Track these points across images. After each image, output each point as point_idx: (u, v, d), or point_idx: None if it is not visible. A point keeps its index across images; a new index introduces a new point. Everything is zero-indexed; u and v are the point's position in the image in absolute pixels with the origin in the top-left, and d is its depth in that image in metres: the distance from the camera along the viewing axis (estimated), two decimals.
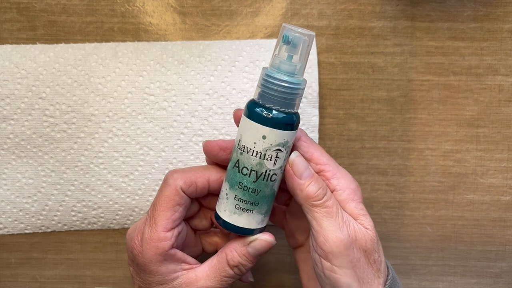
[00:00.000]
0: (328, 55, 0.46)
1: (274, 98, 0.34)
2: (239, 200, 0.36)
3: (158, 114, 0.45)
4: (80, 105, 0.45)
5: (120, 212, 0.47)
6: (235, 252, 0.37)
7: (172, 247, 0.36)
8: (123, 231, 0.48)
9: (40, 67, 0.45)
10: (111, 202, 0.46)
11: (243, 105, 0.45)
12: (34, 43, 0.46)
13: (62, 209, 0.46)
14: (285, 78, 0.34)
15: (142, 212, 0.47)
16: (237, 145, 0.35)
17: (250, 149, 0.34)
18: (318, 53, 0.46)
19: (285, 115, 0.34)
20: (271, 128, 0.34)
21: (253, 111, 0.34)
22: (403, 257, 0.48)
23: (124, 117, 0.45)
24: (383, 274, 0.36)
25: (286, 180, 0.36)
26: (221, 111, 0.45)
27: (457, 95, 0.46)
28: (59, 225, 0.47)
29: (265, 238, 0.37)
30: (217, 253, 0.38)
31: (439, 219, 0.47)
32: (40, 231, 0.47)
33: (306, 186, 0.35)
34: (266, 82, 0.34)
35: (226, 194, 0.36)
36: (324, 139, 0.47)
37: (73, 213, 0.47)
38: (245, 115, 0.35)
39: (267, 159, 0.35)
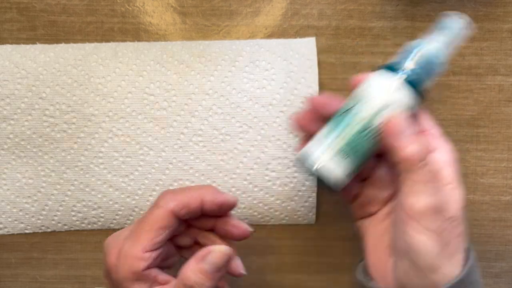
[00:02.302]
0: (328, 55, 0.46)
1: (416, 62, 0.35)
2: (338, 144, 0.35)
3: (158, 114, 0.45)
4: (80, 105, 0.45)
5: (120, 212, 0.47)
6: (189, 272, 0.34)
7: (148, 268, 0.35)
8: None
9: (40, 67, 0.45)
10: (111, 202, 0.46)
11: (243, 105, 0.45)
12: (34, 43, 0.46)
13: (62, 209, 0.46)
14: (433, 49, 0.35)
15: (141, 212, 0.47)
16: (355, 96, 0.36)
17: (370, 101, 0.35)
18: (318, 53, 0.46)
19: (420, 78, 0.35)
20: (400, 85, 0.35)
21: (389, 67, 0.35)
22: None
23: (124, 117, 0.45)
24: (464, 252, 0.35)
25: (384, 137, 0.35)
26: (221, 111, 0.45)
27: (457, 95, 0.46)
28: (59, 225, 0.47)
29: (219, 249, 0.35)
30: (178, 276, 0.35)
31: None
32: (40, 231, 0.47)
33: (406, 146, 0.34)
34: (412, 48, 0.36)
35: (326, 135, 0.36)
36: None
37: (73, 213, 0.47)
38: (375, 74, 0.36)
39: (381, 115, 0.35)
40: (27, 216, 0.47)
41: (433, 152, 0.36)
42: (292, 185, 0.46)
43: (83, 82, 0.45)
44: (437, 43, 0.36)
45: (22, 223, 0.47)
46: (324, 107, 0.37)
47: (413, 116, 0.37)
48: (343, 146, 0.35)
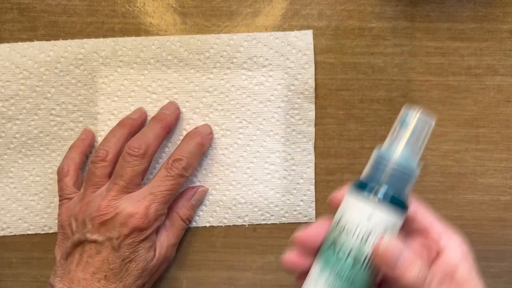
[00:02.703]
0: (327, 55, 0.46)
1: (385, 180, 0.31)
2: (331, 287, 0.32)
3: None
4: (86, 104, 0.46)
5: None
6: (184, 209, 0.45)
7: None
8: None
9: (42, 67, 0.45)
10: None
11: (242, 102, 0.45)
12: None
13: None
14: (401, 161, 0.32)
15: None
16: (335, 225, 0.32)
17: (351, 230, 0.31)
18: (318, 54, 0.46)
19: (395, 197, 0.31)
20: (377, 209, 0.31)
21: (360, 190, 0.32)
22: None
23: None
24: None
25: (380, 268, 0.32)
26: (221, 107, 0.46)
27: (456, 95, 0.46)
28: None
29: (201, 190, 0.46)
30: (166, 218, 0.44)
31: None
32: (42, 231, 0.47)
33: (404, 275, 0.31)
34: (381, 164, 0.32)
35: (318, 276, 0.32)
36: (324, 139, 0.47)
37: None
38: (350, 194, 0.32)
39: (367, 243, 0.31)
40: (31, 214, 0.47)
41: (445, 253, 0.33)
42: (290, 177, 0.47)
43: (86, 81, 0.46)
44: (404, 148, 0.32)
45: (25, 222, 0.47)
46: (309, 243, 0.34)
47: (408, 220, 0.34)
48: (341, 285, 0.31)
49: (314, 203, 0.47)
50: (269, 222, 0.48)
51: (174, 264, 0.48)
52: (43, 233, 0.47)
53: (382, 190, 0.31)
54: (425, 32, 0.46)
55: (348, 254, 0.31)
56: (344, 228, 0.32)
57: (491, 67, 0.46)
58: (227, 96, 0.46)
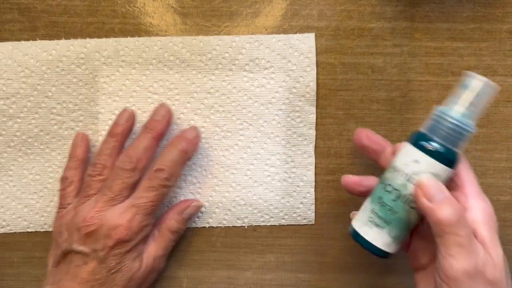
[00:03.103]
0: (327, 55, 0.46)
1: (441, 132, 0.36)
2: (374, 213, 0.38)
3: None
4: (87, 103, 0.46)
5: None
6: (173, 221, 0.45)
7: None
8: None
9: (44, 65, 0.45)
10: None
11: (243, 103, 0.46)
12: None
13: None
14: (459, 117, 0.35)
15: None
16: (389, 167, 0.38)
17: (400, 169, 0.36)
18: (318, 54, 0.46)
19: (445, 149, 0.35)
20: (426, 155, 0.35)
21: (416, 138, 0.37)
22: (402, 255, 0.48)
23: None
24: None
25: (417, 201, 0.35)
26: (222, 109, 0.46)
27: None
28: None
29: (195, 205, 0.46)
30: (154, 228, 0.44)
31: None
32: (42, 229, 0.47)
33: (437, 210, 0.34)
34: (439, 118, 0.36)
35: (366, 206, 0.39)
36: (324, 139, 0.47)
37: None
38: (407, 142, 0.37)
39: (411, 182, 0.36)
40: (31, 213, 0.47)
41: (469, 211, 0.35)
42: (290, 180, 0.47)
43: (88, 81, 0.46)
44: (462, 108, 0.36)
45: (25, 220, 0.47)
46: (356, 188, 0.41)
47: (449, 178, 0.37)
48: (382, 216, 0.37)
49: (313, 205, 0.47)
50: (268, 224, 0.48)
51: (174, 264, 0.49)
52: (43, 233, 0.48)
53: (435, 140, 0.36)
54: (425, 32, 0.46)
55: (394, 188, 0.37)
56: (395, 168, 0.37)
57: (490, 67, 0.46)
58: (228, 97, 0.46)
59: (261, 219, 0.48)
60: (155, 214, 0.43)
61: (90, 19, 0.46)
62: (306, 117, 0.46)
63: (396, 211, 0.37)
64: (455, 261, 0.33)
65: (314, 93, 0.46)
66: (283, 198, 0.47)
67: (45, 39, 0.46)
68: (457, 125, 0.35)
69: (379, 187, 0.38)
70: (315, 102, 0.46)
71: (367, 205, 0.39)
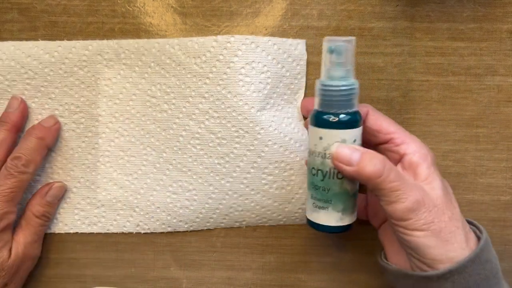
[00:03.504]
0: None
1: (331, 103, 0.37)
2: (314, 198, 0.39)
3: (160, 116, 0.46)
4: (88, 106, 0.46)
5: (122, 212, 0.47)
6: (37, 205, 0.45)
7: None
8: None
9: (46, 67, 0.45)
10: (114, 200, 0.47)
11: (239, 109, 0.44)
12: None
13: (66, 206, 0.47)
14: (339, 82, 0.37)
15: (142, 212, 0.47)
16: (308, 151, 0.39)
17: (313, 151, 0.38)
18: (318, 54, 0.46)
19: (338, 115, 0.37)
20: (326, 129, 0.37)
21: (312, 118, 0.38)
22: None
23: (130, 118, 0.46)
24: (469, 232, 0.38)
25: (340, 171, 0.37)
26: (217, 114, 0.45)
27: (456, 95, 0.46)
28: (60, 224, 0.47)
29: (57, 186, 0.46)
30: (21, 217, 0.45)
31: None
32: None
33: (361, 170, 0.36)
34: (324, 91, 0.38)
35: (307, 193, 0.40)
36: None
37: (76, 211, 0.47)
38: (309, 124, 0.39)
39: (327, 158, 0.37)
40: None
41: (405, 157, 0.38)
42: (289, 188, 0.46)
43: (90, 83, 0.46)
44: (332, 71, 0.38)
45: None
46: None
47: (375, 131, 0.40)
48: (321, 198, 0.39)
49: None
50: (266, 225, 0.48)
51: (174, 264, 0.48)
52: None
53: (326, 112, 0.37)
54: (425, 32, 0.46)
55: (317, 169, 0.38)
56: (310, 152, 0.39)
57: (491, 67, 0.46)
58: (223, 103, 0.44)
59: (259, 222, 0.47)
60: (16, 202, 0.44)
61: (90, 19, 0.46)
62: (299, 123, 0.46)
63: (329, 188, 0.38)
64: (396, 204, 0.35)
65: (299, 102, 0.46)
66: (281, 204, 0.47)
67: (45, 39, 0.46)
68: (334, 90, 0.37)
69: (308, 173, 0.40)
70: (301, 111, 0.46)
71: (308, 193, 0.40)
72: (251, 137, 0.45)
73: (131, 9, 0.46)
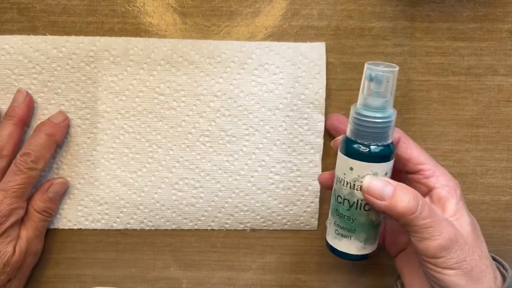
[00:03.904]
0: (328, 55, 0.46)
1: (365, 134, 0.36)
2: (338, 226, 0.38)
3: (168, 114, 0.46)
4: (94, 102, 0.46)
5: (125, 209, 0.47)
6: (38, 201, 0.45)
7: None
8: (124, 231, 0.48)
9: (54, 62, 0.45)
10: (117, 198, 0.47)
11: (250, 108, 0.45)
12: None
13: (70, 202, 0.47)
14: (375, 114, 0.35)
15: (146, 210, 0.47)
16: (335, 176, 0.38)
17: (342, 179, 0.37)
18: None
19: (370, 148, 0.36)
20: (357, 161, 0.36)
21: (343, 145, 0.37)
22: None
23: (136, 115, 0.46)
24: (496, 270, 0.37)
25: (370, 205, 0.36)
26: (228, 113, 0.46)
27: (456, 95, 0.46)
28: (64, 220, 0.47)
29: (58, 182, 0.46)
30: (25, 214, 0.44)
31: None
32: (48, 225, 0.47)
33: (394, 205, 0.35)
34: (358, 120, 0.36)
35: (329, 219, 0.40)
36: (324, 139, 0.47)
37: (79, 207, 0.47)
38: (339, 150, 0.38)
39: (356, 189, 0.36)
40: None
41: (434, 190, 0.37)
42: (295, 189, 0.46)
43: (96, 79, 0.46)
44: (370, 98, 0.36)
45: None
46: (330, 183, 0.40)
47: (405, 160, 0.39)
48: (344, 226, 0.38)
49: (317, 214, 0.47)
50: (270, 229, 0.48)
51: (174, 264, 0.48)
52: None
53: (359, 143, 0.36)
54: (425, 32, 0.46)
55: (344, 198, 0.37)
56: (337, 179, 0.38)
57: (491, 67, 0.46)
58: (235, 101, 0.45)
59: (263, 224, 0.47)
60: (25, 197, 0.44)
61: (90, 19, 0.46)
62: (314, 125, 0.46)
63: (355, 218, 0.37)
64: (429, 241, 0.35)
65: (323, 100, 0.45)
66: (286, 206, 0.47)
67: None
68: (369, 121, 0.35)
69: (333, 199, 0.39)
70: (324, 110, 0.46)
71: (330, 218, 0.39)
72: (261, 135, 0.46)
73: (131, 9, 0.46)
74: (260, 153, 0.46)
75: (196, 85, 0.45)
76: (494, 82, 0.46)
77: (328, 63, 0.46)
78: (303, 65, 0.45)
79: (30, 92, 0.46)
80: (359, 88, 0.46)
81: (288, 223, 0.47)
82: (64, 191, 0.47)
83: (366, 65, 0.36)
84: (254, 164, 0.46)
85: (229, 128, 0.46)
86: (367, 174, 0.36)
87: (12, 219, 0.43)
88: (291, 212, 0.47)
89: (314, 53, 0.45)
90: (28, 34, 0.46)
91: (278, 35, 0.46)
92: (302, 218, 0.47)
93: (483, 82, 0.46)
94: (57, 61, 0.45)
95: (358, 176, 0.36)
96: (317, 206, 0.47)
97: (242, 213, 0.47)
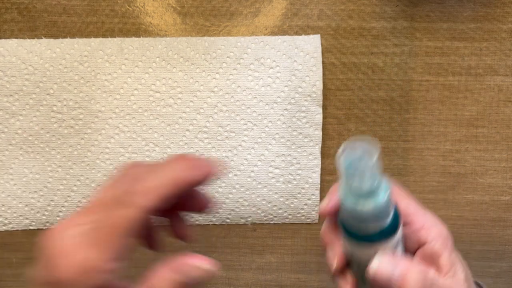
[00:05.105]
0: (328, 55, 0.46)
1: (362, 226, 0.30)
2: None
3: (164, 111, 0.46)
4: (87, 101, 0.46)
5: None
6: (162, 282, 0.31)
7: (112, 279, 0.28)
8: None
9: (47, 63, 0.45)
10: None
11: (248, 103, 0.45)
12: None
13: (68, 204, 0.47)
14: (367, 205, 0.28)
15: None
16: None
17: (354, 261, 0.33)
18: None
19: (367, 235, 0.30)
20: (358, 248, 0.31)
21: (342, 232, 0.31)
22: None
23: (131, 113, 0.46)
24: None
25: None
26: (226, 108, 0.46)
27: (456, 95, 0.46)
28: None
29: (204, 267, 0.31)
30: (143, 282, 0.31)
31: None
32: (44, 227, 0.47)
33: (403, 286, 0.32)
34: (344, 210, 0.30)
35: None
36: (324, 139, 0.47)
37: (78, 209, 0.47)
38: (340, 233, 0.32)
39: (366, 271, 0.32)
40: (32, 211, 0.47)
41: (426, 243, 0.35)
42: (295, 182, 0.46)
43: (89, 78, 0.45)
44: (349, 190, 0.28)
45: (27, 218, 0.47)
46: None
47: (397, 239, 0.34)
48: None
49: (318, 206, 0.47)
50: (271, 222, 0.48)
51: None
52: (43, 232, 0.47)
53: (355, 233, 0.30)
54: (425, 32, 0.46)
55: (361, 279, 0.33)
56: (350, 256, 0.33)
57: (491, 67, 0.46)
58: (232, 96, 0.45)
59: (264, 218, 0.47)
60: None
61: (90, 19, 0.46)
62: (312, 117, 0.46)
63: None
64: None
65: (320, 92, 0.45)
66: (287, 199, 0.47)
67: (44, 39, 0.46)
68: (360, 214, 0.29)
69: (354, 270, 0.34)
70: (322, 103, 0.46)
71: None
72: (259, 129, 0.46)
73: (131, 9, 0.46)
74: (259, 147, 0.46)
75: (193, 82, 0.45)
76: (494, 82, 0.46)
77: (328, 63, 0.46)
78: (299, 58, 0.45)
79: (22, 93, 0.45)
80: (359, 88, 0.46)
81: (289, 216, 0.47)
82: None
83: (338, 152, 0.28)
84: (254, 159, 0.46)
85: (227, 124, 0.46)
86: (371, 256, 0.31)
87: None
88: (292, 205, 0.47)
89: (310, 45, 0.45)
90: (28, 34, 0.46)
91: (278, 35, 0.46)
92: (303, 211, 0.47)
93: (483, 82, 0.46)
94: (50, 61, 0.45)
95: (362, 260, 0.32)
96: (318, 198, 0.47)
97: (243, 208, 0.47)
